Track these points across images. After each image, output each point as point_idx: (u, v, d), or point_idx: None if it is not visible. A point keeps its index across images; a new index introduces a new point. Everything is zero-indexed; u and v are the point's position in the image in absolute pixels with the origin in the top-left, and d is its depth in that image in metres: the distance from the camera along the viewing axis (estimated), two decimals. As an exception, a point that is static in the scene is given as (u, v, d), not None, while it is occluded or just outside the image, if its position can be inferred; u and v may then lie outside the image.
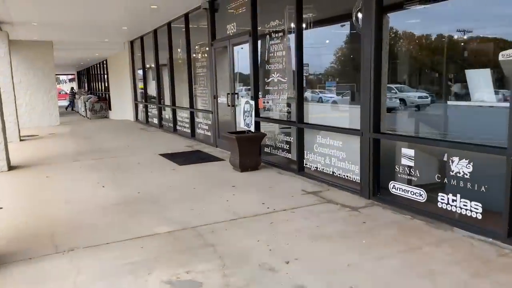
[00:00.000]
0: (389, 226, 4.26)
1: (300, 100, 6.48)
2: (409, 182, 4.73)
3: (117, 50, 18.01)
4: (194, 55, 11.08)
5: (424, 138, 4.92)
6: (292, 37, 6.72)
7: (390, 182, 4.94)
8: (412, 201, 4.66)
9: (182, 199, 5.47)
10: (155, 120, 14.81)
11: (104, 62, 23.21)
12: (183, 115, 12.05)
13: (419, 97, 5.67)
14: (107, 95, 23.07)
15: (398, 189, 4.83)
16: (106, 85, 23.91)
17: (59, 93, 31.28)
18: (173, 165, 7.74)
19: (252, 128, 6.96)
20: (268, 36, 7.27)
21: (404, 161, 4.74)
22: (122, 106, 18.96)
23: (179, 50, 12.39)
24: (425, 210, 4.48)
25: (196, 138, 11.09)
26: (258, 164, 7.13)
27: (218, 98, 9.47)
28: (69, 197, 5.74)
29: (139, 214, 4.90)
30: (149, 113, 15.81)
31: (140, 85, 17.07)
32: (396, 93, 5.91)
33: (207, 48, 10.18)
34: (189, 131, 11.50)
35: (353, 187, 5.50)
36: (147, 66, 15.73)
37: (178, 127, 12.56)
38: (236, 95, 8.66)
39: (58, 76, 42.24)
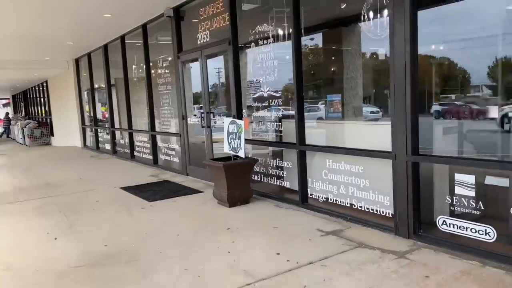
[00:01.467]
0: (463, 281, 3.19)
1: (301, 117, 5.39)
2: (468, 217, 3.72)
3: (60, 69, 16.10)
4: (153, 71, 9.76)
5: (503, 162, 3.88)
6: (279, 45, 5.72)
7: (439, 217, 3.92)
8: (475, 241, 3.64)
9: (168, 253, 4.12)
10: (108, 146, 13.15)
11: (45, 83, 21.03)
12: (143, 139, 10.59)
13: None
14: (48, 119, 20.87)
15: (452, 225, 3.81)
16: (47, 109, 21.67)
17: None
18: (142, 202, 6.33)
19: (242, 153, 5.74)
20: (253, 43, 6.16)
21: (459, 190, 3.73)
22: (67, 131, 17.01)
23: (134, 67, 11.03)
24: (497, 253, 3.48)
25: (159, 166, 9.66)
26: (249, 196, 5.91)
27: (188, 119, 8.19)
28: (8, 260, 4.21)
29: (113, 282, 3.51)
30: (99, 138, 14.10)
31: (86, 107, 15.37)
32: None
33: (165, 64, 8.95)
34: (150, 157, 10.04)
35: (382, 223, 4.43)
36: (96, 86, 14.11)
37: (136, 153, 11.04)
38: (211, 114, 7.44)
39: (-10, 101, 38.66)
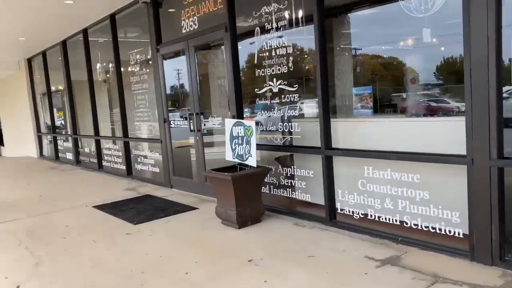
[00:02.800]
0: None
1: (326, 116, 4.42)
2: None
3: (10, 71, 14.34)
4: (123, 68, 8.51)
5: None
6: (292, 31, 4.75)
7: (538, 239, 3.05)
8: None
9: (182, 305, 3.02)
10: (69, 155, 11.64)
11: (-9, 88, 18.97)
12: (113, 147, 9.27)
13: None
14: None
15: (560, 250, 2.95)
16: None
17: None
18: (125, 225, 5.13)
19: (252, 162, 4.68)
20: (258, 29, 5.13)
21: None
22: (20, 140, 15.21)
23: (98, 65, 9.70)
24: None
25: (135, 177, 8.39)
26: (261, 213, 4.86)
27: (171, 122, 7.03)
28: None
29: None
30: (59, 147, 12.54)
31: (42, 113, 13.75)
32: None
33: (139, 60, 7.76)
34: (123, 167, 8.76)
35: (449, 245, 3.51)
36: (53, 89, 12.57)
37: (105, 163, 9.69)
38: (201, 115, 6.34)
39: None
